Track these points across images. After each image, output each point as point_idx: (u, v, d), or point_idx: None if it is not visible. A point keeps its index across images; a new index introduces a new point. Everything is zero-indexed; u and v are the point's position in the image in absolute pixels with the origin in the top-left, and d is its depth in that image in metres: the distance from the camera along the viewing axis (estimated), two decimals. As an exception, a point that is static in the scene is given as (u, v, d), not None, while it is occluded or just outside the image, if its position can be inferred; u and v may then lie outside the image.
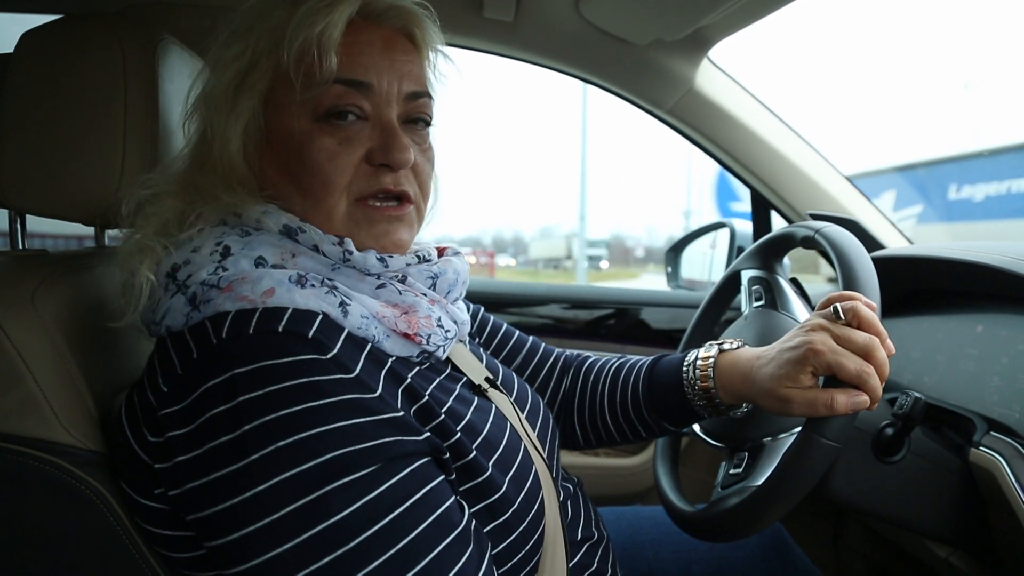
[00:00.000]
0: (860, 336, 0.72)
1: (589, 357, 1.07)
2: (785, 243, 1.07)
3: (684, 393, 0.89)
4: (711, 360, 0.87)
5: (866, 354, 0.72)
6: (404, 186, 0.71)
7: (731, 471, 0.92)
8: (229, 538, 0.55)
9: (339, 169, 0.68)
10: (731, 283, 1.17)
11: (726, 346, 0.88)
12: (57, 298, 0.69)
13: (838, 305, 0.75)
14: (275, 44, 0.68)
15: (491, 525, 0.67)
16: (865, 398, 0.72)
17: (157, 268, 0.65)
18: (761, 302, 1.07)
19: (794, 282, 1.10)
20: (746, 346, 0.88)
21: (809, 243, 0.98)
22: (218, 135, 0.69)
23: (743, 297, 1.11)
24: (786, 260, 1.12)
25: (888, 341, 0.74)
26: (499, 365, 0.89)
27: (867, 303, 0.76)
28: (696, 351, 0.91)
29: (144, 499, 0.62)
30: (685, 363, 0.90)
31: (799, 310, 1.02)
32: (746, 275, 1.12)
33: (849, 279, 0.83)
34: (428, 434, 0.63)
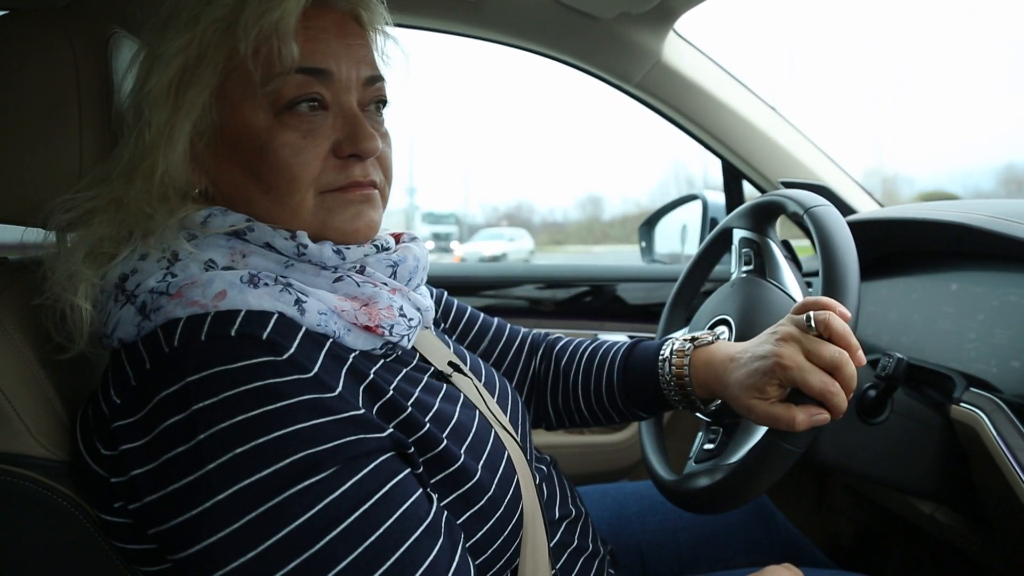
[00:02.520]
0: (829, 351, 0.71)
1: (560, 338, 1.06)
2: (776, 210, 1.03)
3: (659, 387, 0.89)
4: (686, 357, 0.87)
5: (833, 369, 0.71)
6: (372, 175, 0.69)
7: (705, 446, 0.93)
8: (191, 550, 0.53)
9: (305, 164, 0.65)
10: (722, 240, 1.12)
11: (702, 340, 0.88)
12: (21, 307, 0.66)
13: (811, 314, 0.73)
14: (225, 34, 0.64)
15: (467, 514, 0.66)
16: (826, 416, 0.72)
17: (104, 278, 0.62)
18: (750, 266, 1.03)
19: (785, 245, 1.05)
20: (721, 340, 0.88)
21: (797, 220, 0.95)
22: (162, 137, 0.64)
23: (733, 258, 1.08)
24: (777, 224, 1.09)
25: (859, 353, 0.72)
26: (466, 352, 0.88)
27: (842, 312, 0.74)
28: (671, 344, 0.90)
29: (105, 514, 0.60)
30: (660, 357, 0.90)
31: (789, 280, 0.98)
32: (738, 234, 1.07)
33: (830, 279, 0.82)
34: (392, 430, 0.61)
